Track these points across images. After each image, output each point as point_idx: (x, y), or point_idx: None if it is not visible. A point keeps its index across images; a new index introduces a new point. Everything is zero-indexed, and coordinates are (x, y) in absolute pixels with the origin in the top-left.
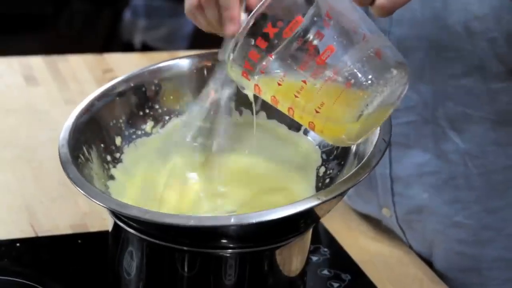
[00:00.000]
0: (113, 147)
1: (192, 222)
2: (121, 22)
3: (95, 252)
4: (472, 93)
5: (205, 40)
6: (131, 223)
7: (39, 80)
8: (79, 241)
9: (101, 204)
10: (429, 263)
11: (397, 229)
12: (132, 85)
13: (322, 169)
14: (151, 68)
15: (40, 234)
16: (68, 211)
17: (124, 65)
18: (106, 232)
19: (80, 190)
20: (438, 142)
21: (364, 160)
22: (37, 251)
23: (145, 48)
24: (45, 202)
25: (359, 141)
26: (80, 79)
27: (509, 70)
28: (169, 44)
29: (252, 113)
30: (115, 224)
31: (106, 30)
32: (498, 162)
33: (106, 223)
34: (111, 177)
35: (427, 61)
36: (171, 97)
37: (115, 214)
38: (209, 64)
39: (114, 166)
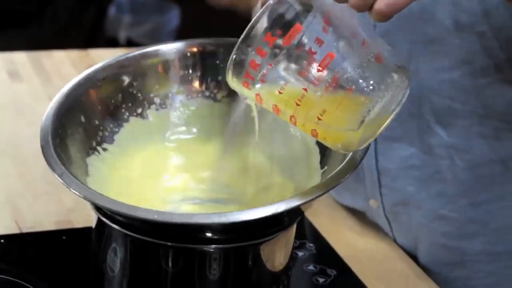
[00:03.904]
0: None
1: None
2: (106, 17)
3: (80, 248)
4: (459, 87)
5: (190, 36)
6: (115, 218)
7: (23, 76)
8: (64, 237)
9: (76, 193)
10: (413, 257)
11: (383, 222)
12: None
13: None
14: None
15: (24, 231)
16: (52, 207)
17: None
18: (91, 228)
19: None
20: (423, 136)
21: (349, 156)
22: (21, 247)
23: (130, 43)
24: (30, 198)
25: (362, 147)
26: (65, 75)
27: (496, 64)
28: (154, 39)
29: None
30: (99, 220)
31: (91, 26)
32: (484, 156)
33: (91, 219)
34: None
35: (413, 55)
36: None
37: (98, 209)
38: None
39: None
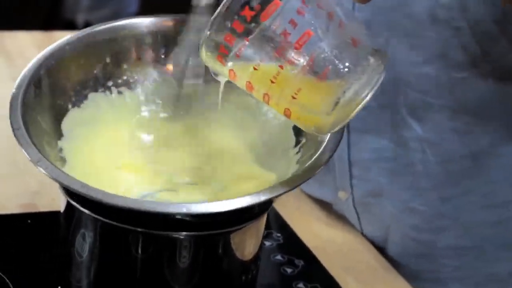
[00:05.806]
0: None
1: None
2: (64, 0)
3: (45, 233)
4: (433, 81)
5: None
6: (86, 202)
7: None
8: (29, 221)
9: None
10: (381, 250)
11: (352, 214)
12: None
13: (295, 151)
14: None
15: None
16: (17, 190)
17: None
18: (57, 212)
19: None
20: (396, 129)
21: (322, 147)
22: None
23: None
24: None
25: (335, 130)
26: (28, 56)
27: (471, 60)
28: None
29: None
30: (68, 203)
31: (48, 9)
32: (456, 151)
33: (56, 203)
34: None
35: (389, 48)
36: None
37: (68, 193)
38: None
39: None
